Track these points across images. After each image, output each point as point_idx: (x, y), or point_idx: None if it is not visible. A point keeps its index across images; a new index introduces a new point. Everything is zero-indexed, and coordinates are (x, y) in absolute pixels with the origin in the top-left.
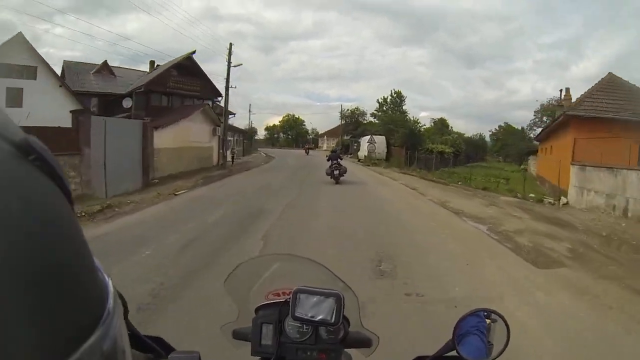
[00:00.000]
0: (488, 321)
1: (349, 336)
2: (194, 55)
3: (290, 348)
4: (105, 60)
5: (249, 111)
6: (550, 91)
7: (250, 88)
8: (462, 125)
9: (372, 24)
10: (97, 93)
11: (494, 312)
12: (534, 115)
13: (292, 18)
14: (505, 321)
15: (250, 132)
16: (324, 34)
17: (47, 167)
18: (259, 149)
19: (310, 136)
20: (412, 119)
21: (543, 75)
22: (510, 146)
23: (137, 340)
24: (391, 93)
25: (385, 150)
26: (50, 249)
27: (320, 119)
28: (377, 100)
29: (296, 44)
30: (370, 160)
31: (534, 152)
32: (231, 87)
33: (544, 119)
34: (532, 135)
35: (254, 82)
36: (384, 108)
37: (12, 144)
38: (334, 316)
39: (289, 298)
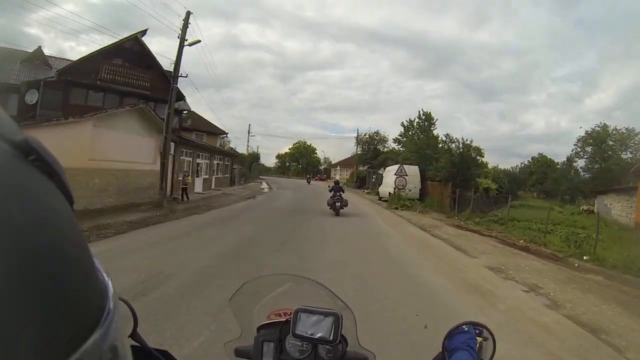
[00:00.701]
0: (479, 339)
1: (346, 355)
2: (145, 38)
3: None
4: (40, 47)
5: (248, 132)
6: (565, 124)
7: (268, 116)
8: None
9: (389, 56)
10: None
11: (485, 327)
12: (575, 145)
13: (310, 48)
14: (493, 337)
15: (249, 158)
16: (341, 65)
17: (47, 167)
18: (261, 177)
19: (323, 166)
20: (461, 139)
21: (557, 109)
22: (553, 181)
23: (145, 353)
24: (419, 115)
25: (419, 186)
26: (49, 250)
27: (335, 151)
28: (402, 123)
29: (314, 74)
30: (399, 201)
31: (597, 189)
32: (182, 75)
33: (587, 148)
34: (578, 167)
35: (272, 110)
36: (410, 132)
37: (12, 144)
38: (332, 334)
39: (290, 317)
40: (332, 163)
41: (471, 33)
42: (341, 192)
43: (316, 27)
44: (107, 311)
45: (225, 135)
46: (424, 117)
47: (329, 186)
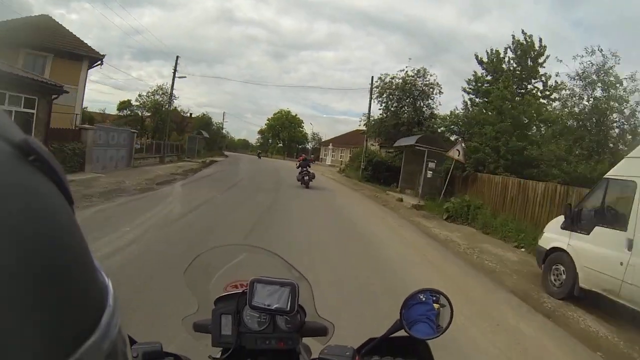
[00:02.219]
0: (437, 306)
1: (305, 325)
2: None
3: (249, 338)
4: None
5: (175, 71)
6: None
7: (258, 92)
8: None
9: (385, 40)
10: None
11: (442, 294)
12: None
13: (306, 27)
14: (450, 304)
15: (196, 123)
16: (336, 46)
17: (46, 167)
18: (226, 153)
19: (311, 143)
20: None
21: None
22: None
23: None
24: (515, 39)
25: None
26: (49, 250)
27: (325, 133)
28: (477, 55)
29: (308, 54)
30: None
31: None
32: None
33: None
34: None
35: (263, 87)
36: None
37: (12, 144)
38: (289, 304)
39: (247, 289)
40: (323, 140)
41: (469, 24)
42: (308, 168)
43: (312, 6)
44: (107, 312)
45: (100, 60)
46: (529, 39)
47: (297, 164)
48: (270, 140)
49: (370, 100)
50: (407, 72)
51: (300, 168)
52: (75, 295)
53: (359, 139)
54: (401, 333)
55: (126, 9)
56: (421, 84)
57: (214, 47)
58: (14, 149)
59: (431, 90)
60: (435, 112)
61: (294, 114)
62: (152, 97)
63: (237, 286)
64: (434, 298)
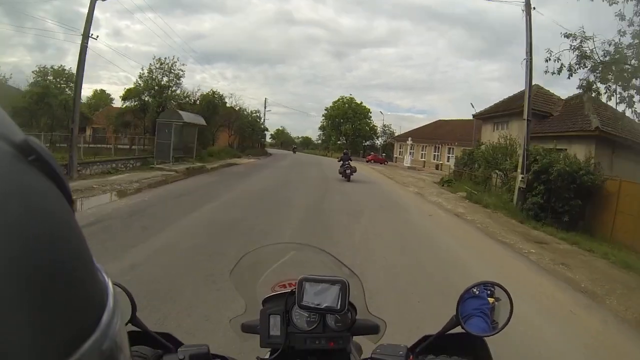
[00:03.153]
0: (492, 300)
1: (356, 323)
2: None
3: (299, 338)
4: None
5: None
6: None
7: (322, 91)
8: None
9: (446, 35)
10: None
11: (498, 285)
12: None
13: (365, 25)
14: (509, 296)
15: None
16: (397, 42)
17: (47, 167)
18: (270, 151)
19: (380, 138)
20: None
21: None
22: None
23: (147, 337)
24: None
25: None
26: (49, 250)
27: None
28: None
29: (369, 52)
30: None
31: None
32: None
33: None
34: None
35: (326, 86)
36: None
37: (12, 144)
38: (339, 303)
39: (295, 288)
40: (397, 135)
41: (532, 12)
42: (349, 161)
43: (371, 3)
44: (107, 311)
45: None
46: None
47: (339, 158)
48: (331, 137)
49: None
50: None
51: (342, 162)
52: (75, 294)
53: (450, 133)
54: (458, 330)
55: (188, 16)
56: None
57: (275, 48)
58: (14, 149)
59: None
60: None
61: (358, 101)
62: (152, 75)
63: (285, 286)
64: (489, 292)
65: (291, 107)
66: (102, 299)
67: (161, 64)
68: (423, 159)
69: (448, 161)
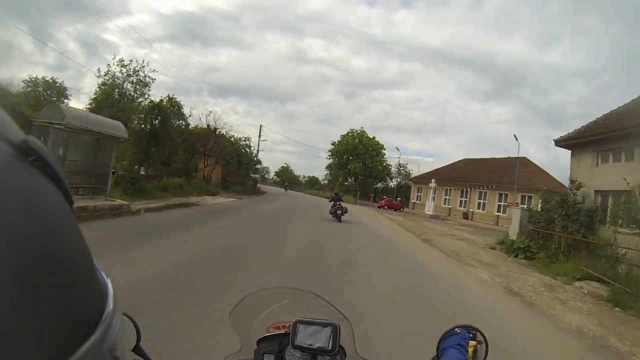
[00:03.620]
0: (474, 343)
1: None
2: None
3: None
4: None
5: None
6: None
7: (331, 132)
8: None
9: (455, 77)
10: None
11: (478, 330)
12: None
13: (376, 66)
14: (486, 340)
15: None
16: (407, 84)
17: (46, 168)
18: (263, 189)
19: (395, 180)
20: None
21: None
22: None
23: None
24: None
25: None
26: (49, 250)
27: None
28: None
29: (379, 94)
30: None
31: None
32: None
33: None
34: None
35: (336, 127)
36: None
37: (12, 144)
38: (330, 344)
39: (289, 330)
40: (415, 176)
41: (540, 54)
42: (340, 202)
43: (382, 45)
44: (107, 312)
45: None
46: None
47: (330, 198)
48: (339, 177)
49: None
50: None
51: (332, 202)
52: (75, 295)
53: (481, 175)
54: None
55: (205, 49)
56: None
57: (287, 85)
58: (14, 149)
59: None
60: None
61: (370, 136)
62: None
63: (280, 327)
64: (471, 335)
65: (300, 141)
66: (101, 299)
67: (123, 66)
68: (447, 205)
69: (480, 208)
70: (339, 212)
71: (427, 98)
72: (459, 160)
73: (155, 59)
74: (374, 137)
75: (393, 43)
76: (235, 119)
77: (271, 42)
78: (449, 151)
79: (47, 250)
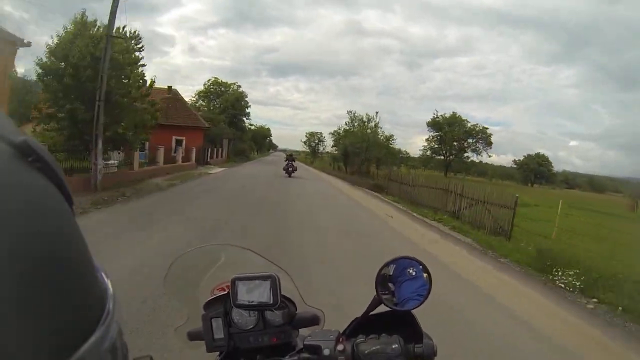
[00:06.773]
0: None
1: (297, 317)
2: None
3: (242, 337)
4: None
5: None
6: None
7: (395, 104)
8: (619, 157)
9: (518, 40)
10: None
11: (415, 260)
12: None
13: (435, 33)
14: (427, 269)
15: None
16: (468, 51)
17: (46, 168)
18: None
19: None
20: None
21: None
22: None
23: None
24: None
25: None
26: (49, 250)
27: None
28: None
29: (441, 62)
30: None
31: None
32: None
33: None
34: None
35: (399, 98)
36: None
37: (12, 145)
38: (271, 297)
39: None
40: None
41: (609, 6)
42: (292, 161)
43: (438, 9)
44: (107, 312)
45: None
46: None
47: (285, 159)
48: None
49: None
50: None
51: (287, 162)
52: (75, 295)
53: None
54: (382, 308)
55: (258, 30)
56: None
57: (347, 60)
58: (14, 150)
59: None
60: None
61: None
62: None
63: (224, 288)
64: (422, 271)
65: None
66: (101, 299)
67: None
68: None
69: None
70: (289, 169)
71: (490, 64)
72: None
73: (212, 45)
74: (459, 116)
75: (449, 6)
76: (298, 97)
77: (325, 17)
78: (516, 118)
79: (47, 250)
